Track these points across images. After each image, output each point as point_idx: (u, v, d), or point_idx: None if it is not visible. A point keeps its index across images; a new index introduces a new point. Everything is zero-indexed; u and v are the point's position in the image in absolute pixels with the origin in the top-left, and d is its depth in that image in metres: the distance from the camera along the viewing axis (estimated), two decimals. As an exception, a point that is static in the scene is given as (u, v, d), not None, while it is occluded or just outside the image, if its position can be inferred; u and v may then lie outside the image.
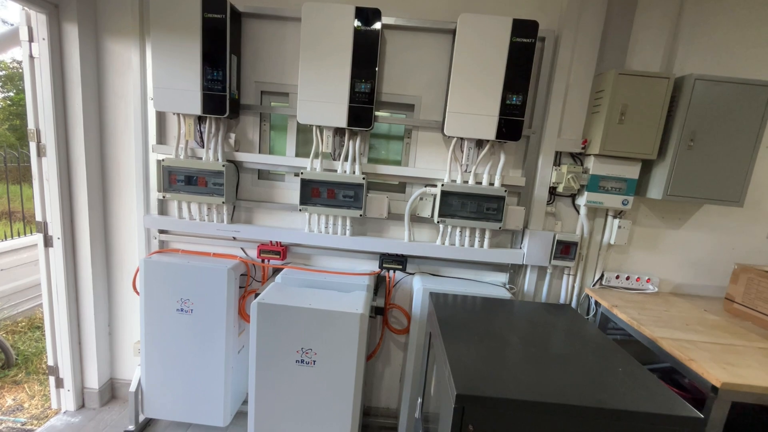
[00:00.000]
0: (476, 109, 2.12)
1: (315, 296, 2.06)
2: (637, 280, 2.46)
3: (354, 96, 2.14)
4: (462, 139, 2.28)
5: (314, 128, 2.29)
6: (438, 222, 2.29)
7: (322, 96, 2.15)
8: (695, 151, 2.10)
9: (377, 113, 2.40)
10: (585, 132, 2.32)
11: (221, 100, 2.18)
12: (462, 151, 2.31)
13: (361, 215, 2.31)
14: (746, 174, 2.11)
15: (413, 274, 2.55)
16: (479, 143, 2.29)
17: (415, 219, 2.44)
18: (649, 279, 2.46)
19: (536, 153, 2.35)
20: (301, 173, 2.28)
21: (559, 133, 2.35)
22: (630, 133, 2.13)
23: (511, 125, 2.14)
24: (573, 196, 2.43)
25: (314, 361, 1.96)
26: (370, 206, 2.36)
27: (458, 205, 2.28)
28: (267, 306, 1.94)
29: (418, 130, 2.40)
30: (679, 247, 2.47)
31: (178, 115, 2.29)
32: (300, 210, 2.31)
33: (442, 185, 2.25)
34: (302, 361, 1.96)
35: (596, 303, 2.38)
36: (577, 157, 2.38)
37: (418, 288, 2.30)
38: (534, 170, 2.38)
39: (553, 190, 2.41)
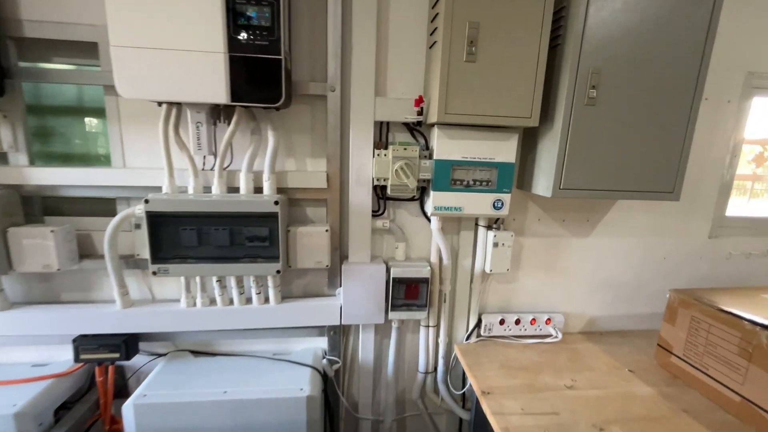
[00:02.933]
0: (174, 37, 1.00)
1: None
2: (531, 323, 1.56)
3: None
4: (173, 106, 1.16)
5: None
6: (153, 273, 1.18)
7: None
8: (601, 108, 1.18)
9: (22, 64, 1.20)
10: (426, 84, 1.32)
11: None
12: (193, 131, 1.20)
13: (-16, 275, 1.13)
14: (682, 148, 1.23)
15: (163, 355, 1.44)
16: (217, 113, 1.20)
17: (141, 263, 1.31)
18: (549, 319, 1.57)
19: (342, 127, 1.31)
20: None
21: (381, 88, 1.32)
22: (489, 78, 1.15)
23: (258, 71, 1.05)
24: (421, 199, 1.45)
25: None
26: (18, 251, 1.19)
27: (191, 235, 1.18)
28: None
29: (117, 97, 1.24)
30: (590, 262, 1.60)
31: None
32: None
33: (146, 201, 1.14)
34: None
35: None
36: (419, 131, 1.38)
37: (128, 405, 1.19)
38: (344, 158, 1.34)
39: (383, 192, 1.40)
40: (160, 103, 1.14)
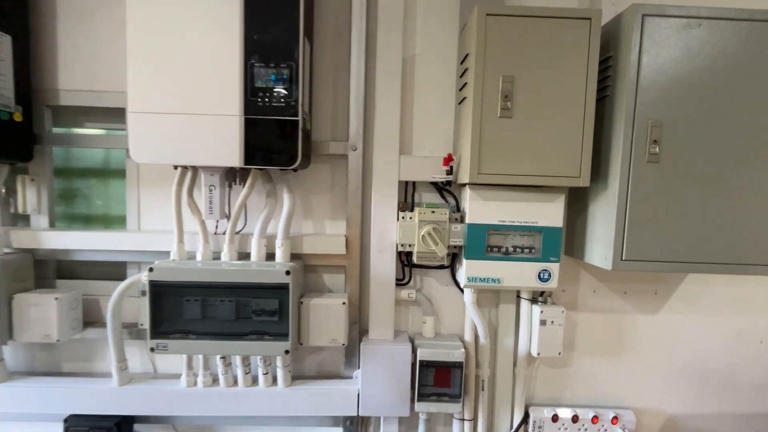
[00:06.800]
0: (190, 102, 0.97)
1: None
2: (593, 421, 1.25)
3: None
4: (187, 169, 1.11)
5: None
6: (151, 349, 1.07)
7: None
8: (668, 165, 0.99)
9: (56, 130, 1.24)
10: (455, 141, 1.21)
11: None
12: (206, 194, 1.14)
13: (-19, 346, 1.06)
14: (778, 206, 1.01)
15: (160, 439, 1.28)
16: (232, 175, 1.14)
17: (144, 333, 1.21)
18: (616, 417, 1.26)
19: (364, 188, 1.21)
20: None
21: (406, 145, 1.23)
22: (528, 135, 1.01)
23: (274, 133, 0.99)
24: (452, 266, 1.27)
25: None
26: (20, 320, 1.12)
27: (194, 308, 1.07)
28: None
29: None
30: (664, 345, 1.30)
31: None
32: None
33: (151, 269, 1.05)
34: None
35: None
36: (448, 191, 1.25)
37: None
38: (366, 221, 1.22)
39: (408, 258, 1.25)
40: (176, 166, 1.10)
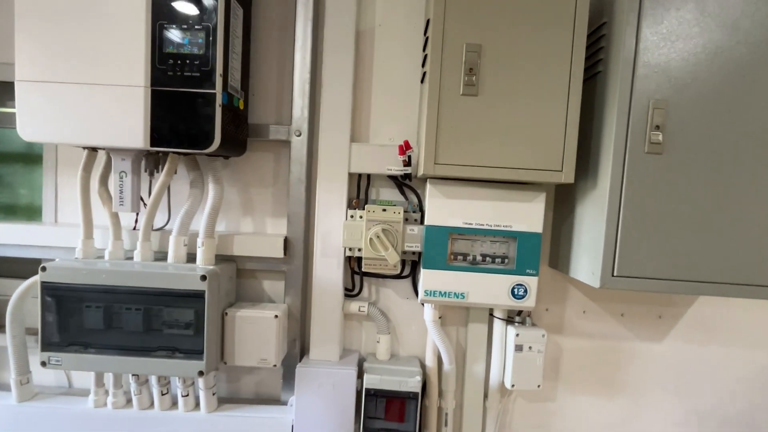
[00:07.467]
0: (85, 69, 0.80)
1: None
2: (580, 470, 1.05)
3: None
4: (96, 151, 0.94)
5: None
6: (43, 363, 0.90)
7: None
8: (673, 157, 0.79)
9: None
10: (419, 126, 1.03)
11: None
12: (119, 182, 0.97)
13: None
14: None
15: (73, 464, 1.11)
16: (154, 161, 0.97)
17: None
18: (607, 466, 1.05)
19: (309, 180, 1.03)
20: None
21: (362, 131, 1.05)
22: (497, 117, 0.82)
23: (187, 109, 0.82)
24: (413, 275, 1.08)
25: None
26: None
27: (95, 316, 0.90)
28: None
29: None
30: (670, 379, 1.08)
31: None
32: None
33: (43, 269, 0.89)
34: None
35: None
36: (409, 187, 1.06)
37: None
38: (311, 219, 1.04)
39: (359, 265, 1.06)
40: (84, 148, 0.94)
